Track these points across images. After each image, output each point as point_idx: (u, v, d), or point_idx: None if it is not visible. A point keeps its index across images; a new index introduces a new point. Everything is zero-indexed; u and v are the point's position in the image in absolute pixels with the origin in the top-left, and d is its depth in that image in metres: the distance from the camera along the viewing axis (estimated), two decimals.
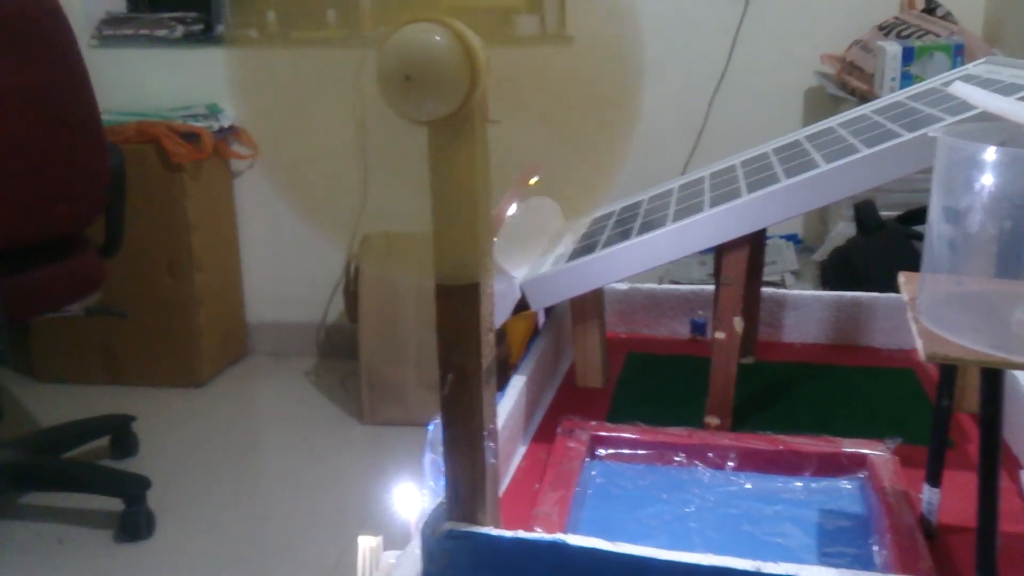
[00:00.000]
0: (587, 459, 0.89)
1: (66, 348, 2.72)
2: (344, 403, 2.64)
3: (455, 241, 0.64)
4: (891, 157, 0.87)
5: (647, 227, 0.95)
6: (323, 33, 0.81)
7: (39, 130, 1.84)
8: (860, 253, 2.08)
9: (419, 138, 0.66)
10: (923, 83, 1.09)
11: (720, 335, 0.93)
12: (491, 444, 0.69)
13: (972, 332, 0.63)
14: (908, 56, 2.13)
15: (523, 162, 1.10)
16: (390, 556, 1.64)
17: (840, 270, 2.12)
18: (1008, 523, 0.75)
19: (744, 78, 2.60)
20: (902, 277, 0.77)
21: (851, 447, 0.86)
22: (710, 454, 0.88)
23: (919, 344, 0.63)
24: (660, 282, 1.99)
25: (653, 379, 1.10)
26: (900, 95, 1.08)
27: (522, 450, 0.94)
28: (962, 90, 0.83)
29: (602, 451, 0.91)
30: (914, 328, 0.65)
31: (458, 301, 0.64)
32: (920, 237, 1.97)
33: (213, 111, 2.77)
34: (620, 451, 0.90)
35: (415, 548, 0.75)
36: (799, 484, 0.85)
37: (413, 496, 1.51)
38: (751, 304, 1.11)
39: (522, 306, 0.97)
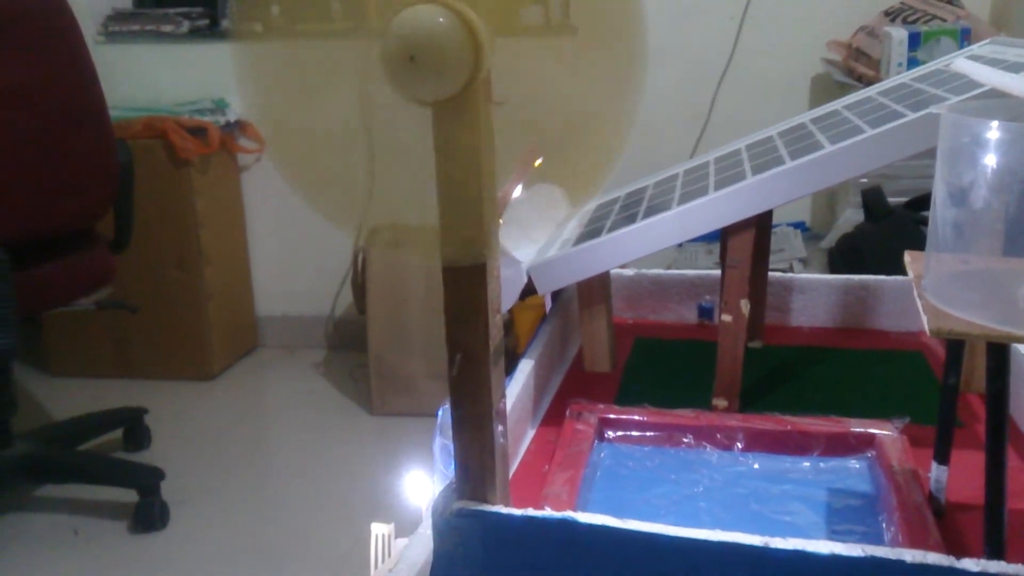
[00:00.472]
0: (596, 441, 0.90)
1: (78, 342, 2.74)
2: (354, 394, 2.66)
3: (461, 222, 0.65)
4: (896, 137, 0.87)
5: (653, 211, 0.96)
6: (328, 25, 0.82)
7: (48, 126, 1.85)
8: (868, 240, 2.08)
9: (425, 128, 0.66)
10: (928, 64, 1.09)
11: (727, 318, 0.93)
12: (500, 425, 0.69)
13: (978, 308, 0.64)
14: (914, 41, 2.12)
15: (527, 145, 1.11)
16: (402, 543, 1.65)
17: (848, 257, 2.12)
18: (1016, 500, 0.75)
19: (750, 65, 2.60)
20: (908, 256, 0.77)
21: (859, 427, 0.87)
22: (718, 435, 0.89)
23: (925, 320, 0.63)
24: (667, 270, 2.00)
25: (660, 363, 1.10)
26: (905, 77, 1.08)
27: (531, 433, 0.94)
28: (965, 66, 0.83)
29: (610, 433, 0.91)
30: (920, 304, 0.66)
31: (465, 282, 0.65)
32: (928, 223, 1.97)
33: (220, 106, 2.78)
34: (628, 433, 0.91)
35: (426, 529, 0.76)
36: (807, 464, 0.86)
37: (423, 483, 1.52)
38: (758, 288, 1.11)
39: (529, 290, 0.97)
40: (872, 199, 2.09)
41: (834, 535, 0.75)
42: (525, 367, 0.95)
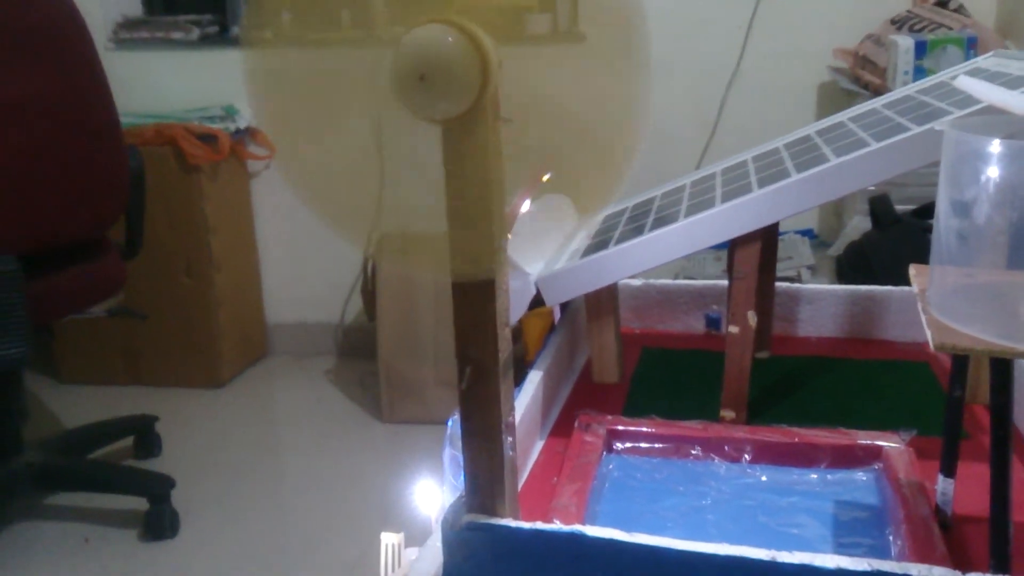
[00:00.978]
0: (604, 453, 0.91)
1: (88, 350, 2.76)
2: (363, 401, 2.67)
3: (470, 238, 0.66)
4: (900, 150, 0.87)
5: (660, 223, 0.96)
6: (338, 34, 0.83)
7: (60, 136, 1.87)
8: (875, 247, 2.08)
9: (434, 138, 0.67)
10: (933, 76, 1.10)
11: (734, 329, 0.94)
12: (509, 437, 0.70)
13: (981, 322, 0.64)
14: (921, 49, 2.12)
15: (535, 161, 1.12)
16: (411, 552, 1.65)
17: (855, 264, 2.12)
18: (1022, 512, 0.76)
19: (757, 74, 2.60)
20: (913, 270, 0.77)
21: (866, 439, 0.87)
22: (726, 447, 0.90)
23: (929, 335, 0.64)
24: (675, 278, 2.00)
25: (668, 374, 1.11)
26: (910, 89, 1.09)
27: (540, 444, 0.95)
28: (966, 84, 0.84)
29: (619, 445, 0.92)
30: (924, 319, 0.66)
31: (474, 297, 0.66)
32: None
33: (229, 112, 2.80)
34: (637, 445, 0.92)
35: (435, 541, 0.77)
36: (814, 476, 0.86)
37: (433, 493, 1.52)
38: (765, 299, 1.12)
39: (537, 302, 0.98)
40: (879, 207, 2.09)
41: (841, 548, 0.76)
42: (534, 378, 0.96)
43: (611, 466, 0.90)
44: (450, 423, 1.01)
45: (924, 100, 0.98)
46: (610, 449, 0.92)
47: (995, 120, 0.73)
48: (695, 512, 0.82)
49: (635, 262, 0.94)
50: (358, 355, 2.94)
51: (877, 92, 2.14)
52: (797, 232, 2.49)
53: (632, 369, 1.12)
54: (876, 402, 1.01)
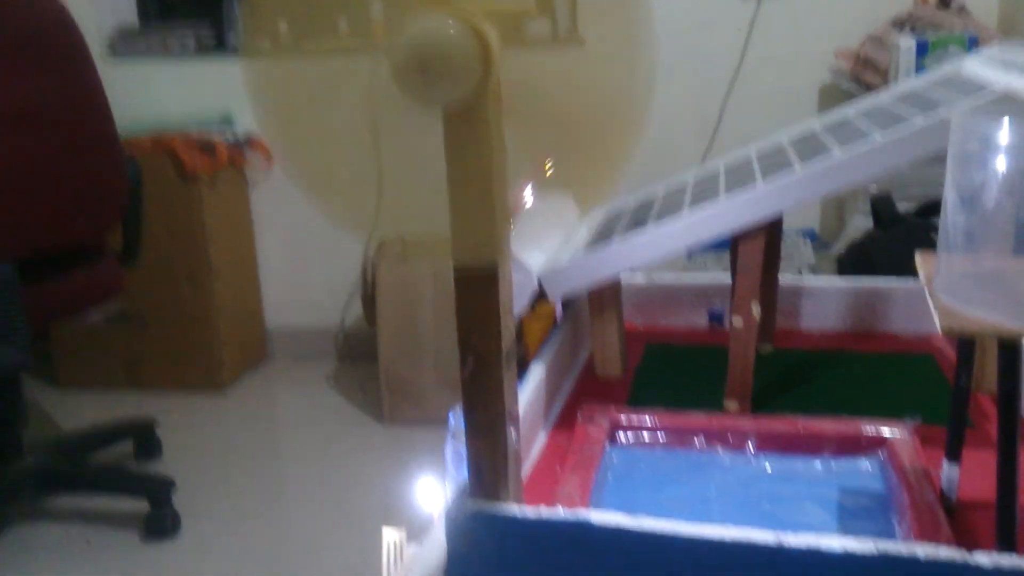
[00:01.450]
0: (608, 444, 0.90)
1: (88, 355, 2.76)
2: (364, 405, 2.66)
3: (473, 227, 0.66)
4: (905, 142, 0.87)
5: (663, 217, 0.96)
6: (336, 42, 0.83)
7: (58, 147, 1.87)
8: (877, 247, 2.08)
9: (433, 143, 0.67)
10: (937, 70, 1.10)
11: (738, 321, 0.93)
12: (512, 427, 0.70)
13: (989, 307, 0.64)
14: (922, 50, 2.12)
15: (536, 162, 1.12)
16: (414, 548, 1.65)
17: (857, 264, 2.12)
18: None
19: (758, 75, 2.61)
20: (919, 257, 0.77)
21: (870, 427, 0.87)
22: (730, 437, 0.89)
23: (937, 318, 0.64)
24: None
25: (671, 368, 1.11)
26: (915, 82, 1.09)
27: (543, 437, 0.95)
28: (975, 69, 0.84)
29: (622, 436, 0.92)
30: (931, 303, 0.66)
31: (477, 286, 0.65)
32: (938, 229, 1.97)
33: (227, 121, 2.81)
34: (640, 436, 0.91)
35: (439, 531, 0.77)
36: (819, 464, 0.86)
37: (435, 489, 1.52)
38: (769, 292, 1.11)
39: (539, 296, 0.98)
40: (881, 206, 2.09)
41: (846, 534, 0.75)
42: (537, 371, 0.96)
43: (615, 457, 0.90)
44: (452, 417, 1.01)
45: (928, 93, 0.98)
46: (613, 440, 0.92)
47: (1001, 108, 0.73)
48: (700, 501, 0.81)
49: (639, 255, 0.94)
50: (358, 359, 2.94)
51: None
52: (798, 233, 2.49)
53: (635, 364, 1.12)
54: (880, 394, 1.01)
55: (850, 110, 1.09)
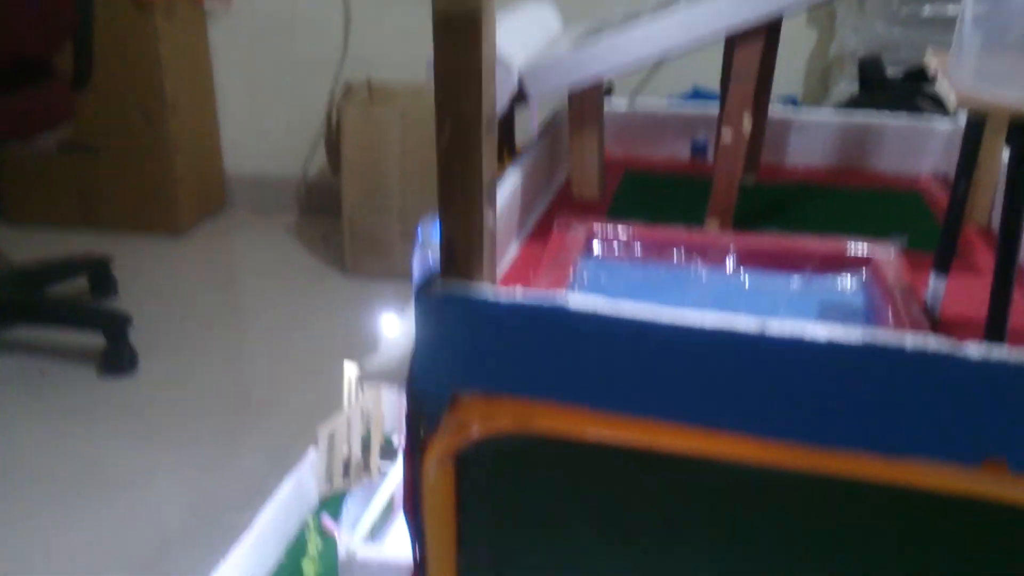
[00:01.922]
0: (583, 254, 0.86)
1: (39, 189, 2.65)
2: (326, 257, 2.61)
3: None
4: None
5: (655, 16, 0.90)
6: None
7: None
8: (863, 110, 2.03)
9: None
10: None
11: (727, 134, 0.89)
12: (489, 208, 0.65)
13: (1006, 88, 0.60)
14: None
15: None
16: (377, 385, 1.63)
17: None
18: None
19: None
20: (930, 52, 0.72)
21: (854, 245, 0.84)
22: (709, 252, 0.86)
23: (951, 97, 0.59)
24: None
25: (651, 193, 1.06)
26: None
27: (515, 248, 0.91)
28: None
29: (598, 247, 0.88)
30: (945, 84, 0.61)
31: (458, 37, 0.59)
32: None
33: None
34: (617, 247, 0.88)
35: (409, 322, 0.73)
36: (799, 280, 0.83)
37: (397, 325, 1.49)
38: (758, 117, 1.06)
39: (520, 97, 0.92)
40: (870, 69, 2.03)
41: None
42: (512, 177, 0.91)
43: (589, 267, 0.86)
44: (419, 229, 0.96)
45: None
46: (589, 251, 0.88)
47: None
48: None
49: (630, 51, 0.87)
50: (321, 212, 2.86)
51: None
52: (780, 99, 2.43)
53: (613, 189, 1.07)
54: (866, 226, 0.98)
55: None
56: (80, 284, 2.29)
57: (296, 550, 1.42)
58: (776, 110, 1.13)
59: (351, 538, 0.86)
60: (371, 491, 0.97)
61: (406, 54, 2.03)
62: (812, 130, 1.15)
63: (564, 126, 1.07)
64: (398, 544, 0.99)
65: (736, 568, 0.65)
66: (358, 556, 0.83)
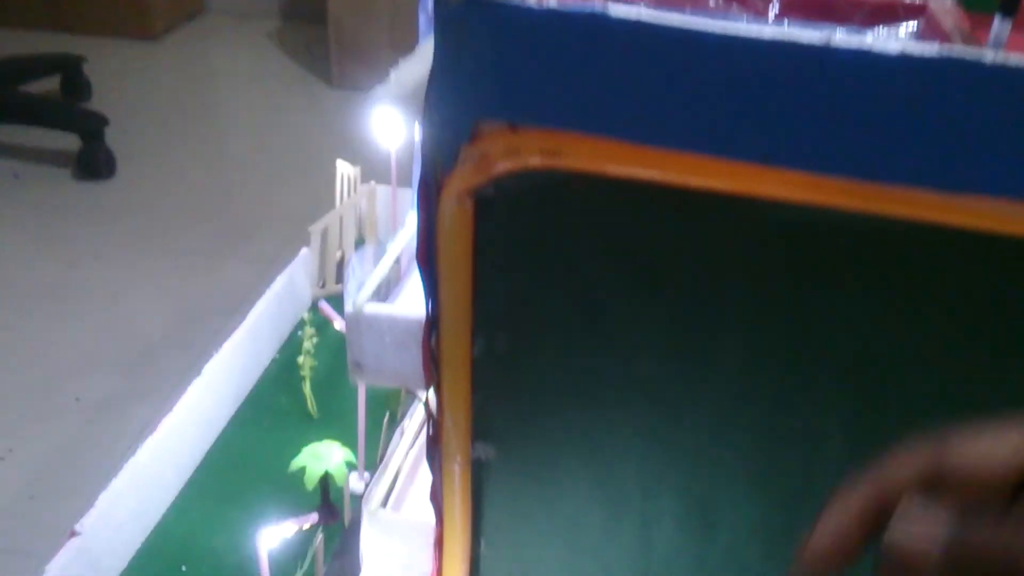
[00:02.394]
0: None
1: None
2: (312, 67, 2.48)
3: None
4: None
5: None
6: None
7: None
8: None
9: None
10: None
11: None
12: None
13: None
14: None
15: None
16: (370, 184, 1.57)
17: None
18: None
19: None
20: None
21: None
22: (749, 0, 0.78)
23: None
24: None
25: None
26: None
27: None
28: None
29: None
30: None
31: None
32: None
33: None
34: None
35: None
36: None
37: (393, 122, 1.40)
38: None
39: None
40: None
41: None
42: None
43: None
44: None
45: None
46: None
47: None
48: None
49: None
50: (305, 18, 2.70)
51: None
52: None
53: None
54: None
55: None
56: (51, 85, 2.17)
57: (290, 348, 1.41)
58: None
59: (357, 295, 0.82)
60: (380, 251, 0.93)
61: None
62: None
63: None
64: (409, 300, 0.96)
65: (773, 324, 0.62)
66: (365, 311, 0.79)
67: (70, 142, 1.89)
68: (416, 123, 0.65)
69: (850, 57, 0.55)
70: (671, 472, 0.69)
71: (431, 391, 0.67)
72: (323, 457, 1.04)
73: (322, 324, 1.44)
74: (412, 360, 0.91)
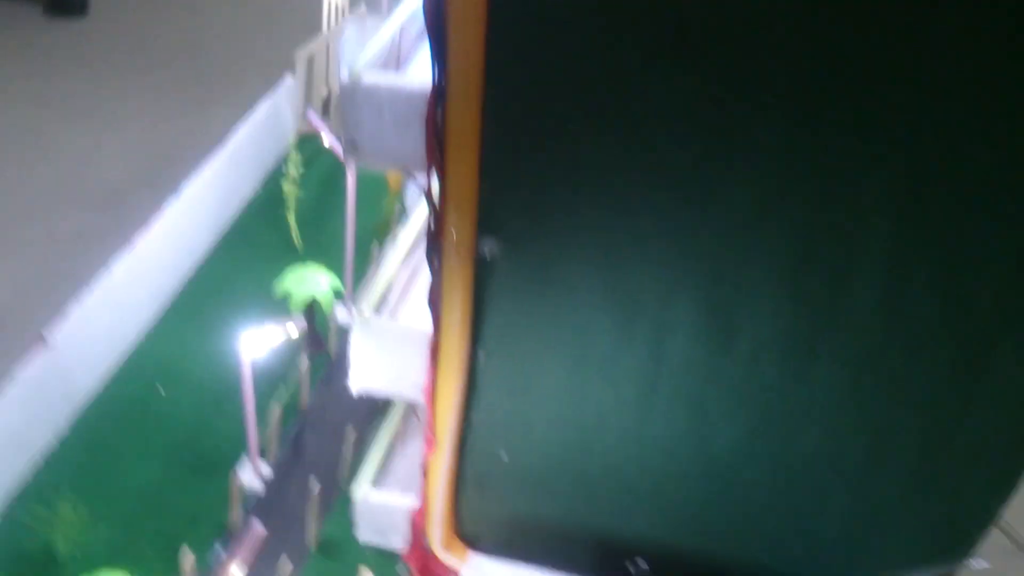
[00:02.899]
0: None
1: None
2: None
3: None
4: None
5: None
6: None
7: None
8: None
9: None
10: None
11: None
12: None
13: None
14: None
15: None
16: (362, 17, 4.51)
17: None
18: None
19: None
20: None
21: None
22: None
23: None
24: None
25: None
26: None
27: None
28: None
29: None
30: None
31: None
32: None
33: None
34: None
35: None
36: None
37: None
38: None
39: None
40: None
41: None
42: None
43: None
44: None
45: None
46: None
47: None
48: None
49: None
50: None
51: None
52: None
53: None
54: None
55: None
56: None
57: (275, 183, 3.38)
58: None
59: (355, 63, 1.16)
60: (377, 21, 2.24)
61: None
62: None
63: None
64: (418, 71, 1.82)
65: (816, 93, 1.23)
66: (363, 81, 1.18)
67: None
68: None
69: None
70: (691, 275, 1.26)
71: (434, 178, 1.29)
72: (309, 282, 2.73)
73: (311, 156, 3.44)
74: (413, 139, 1.56)
